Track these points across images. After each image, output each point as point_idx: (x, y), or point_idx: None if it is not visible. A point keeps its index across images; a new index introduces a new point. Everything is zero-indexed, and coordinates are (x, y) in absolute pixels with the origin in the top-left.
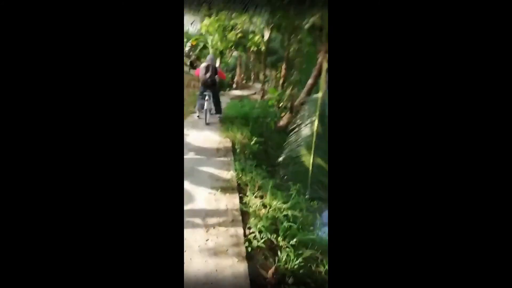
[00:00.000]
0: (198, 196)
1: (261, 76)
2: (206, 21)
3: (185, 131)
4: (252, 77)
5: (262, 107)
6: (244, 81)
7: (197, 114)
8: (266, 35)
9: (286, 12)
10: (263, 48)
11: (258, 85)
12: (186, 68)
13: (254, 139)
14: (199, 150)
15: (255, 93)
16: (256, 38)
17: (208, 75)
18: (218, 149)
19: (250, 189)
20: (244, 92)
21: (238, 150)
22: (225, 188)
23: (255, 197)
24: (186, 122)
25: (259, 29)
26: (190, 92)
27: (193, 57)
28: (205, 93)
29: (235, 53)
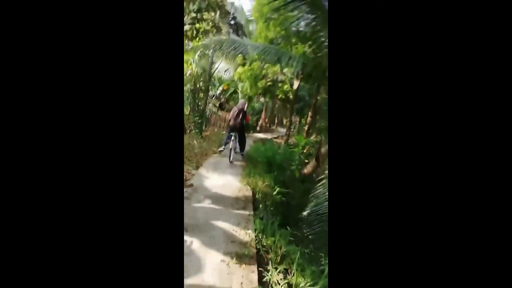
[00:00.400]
0: (208, 263)
1: (285, 122)
2: (240, 69)
3: (205, 172)
4: (276, 122)
5: (285, 153)
6: (268, 125)
7: (220, 149)
8: (296, 84)
9: (317, 63)
10: (291, 96)
11: (281, 130)
12: (214, 109)
13: (277, 189)
14: (216, 198)
15: (278, 137)
16: (285, 87)
17: (238, 120)
18: (237, 199)
19: (271, 259)
20: (267, 135)
21: (259, 201)
22: (241, 256)
23: (278, 272)
24: (208, 162)
25: (288, 79)
26: (216, 132)
27: (223, 99)
28: (231, 133)
29: (262, 99)
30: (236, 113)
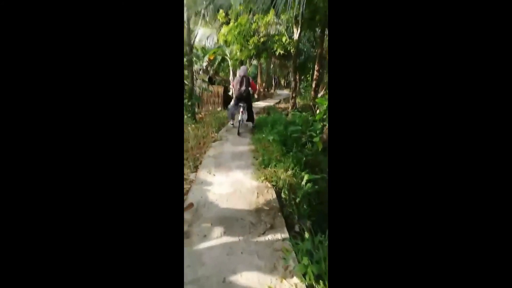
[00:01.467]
0: None
1: (283, 82)
2: (224, 29)
3: (207, 174)
4: (274, 84)
5: (300, 121)
6: (266, 89)
7: (230, 122)
8: (296, 33)
9: (318, 3)
10: (292, 49)
11: (280, 92)
12: (204, 85)
13: (305, 176)
14: (228, 222)
15: (279, 102)
16: (284, 38)
17: (243, 88)
18: (258, 211)
19: None
20: (268, 102)
21: (288, 205)
22: None
23: None
24: (208, 157)
25: (286, 29)
26: (211, 111)
27: (211, 72)
28: (240, 104)
29: (254, 62)
30: (239, 81)
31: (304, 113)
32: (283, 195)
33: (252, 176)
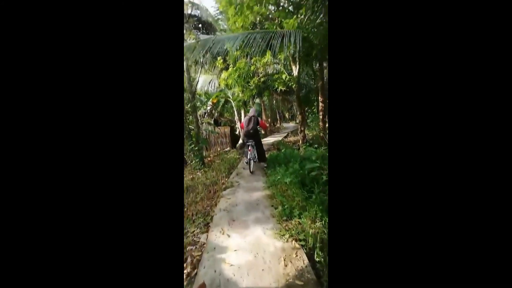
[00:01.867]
0: None
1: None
2: (224, 74)
3: (219, 236)
4: (278, 119)
5: (313, 157)
6: (272, 124)
7: (245, 160)
8: (295, 69)
9: (313, 40)
10: (293, 85)
11: (286, 125)
12: (210, 127)
13: None
14: None
15: (287, 135)
16: (283, 76)
17: (250, 125)
18: (288, 287)
19: None
20: (276, 137)
21: (325, 273)
22: None
23: None
24: (220, 212)
25: (283, 66)
26: (219, 152)
27: (216, 114)
28: (248, 143)
29: (257, 100)
30: (248, 120)
31: (317, 148)
32: (316, 258)
33: (274, 234)
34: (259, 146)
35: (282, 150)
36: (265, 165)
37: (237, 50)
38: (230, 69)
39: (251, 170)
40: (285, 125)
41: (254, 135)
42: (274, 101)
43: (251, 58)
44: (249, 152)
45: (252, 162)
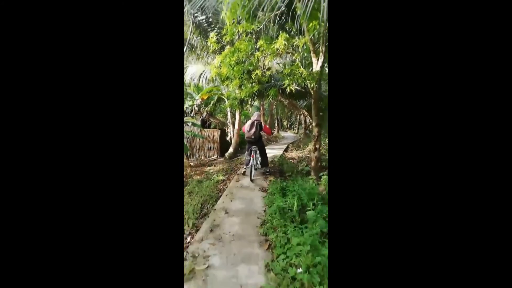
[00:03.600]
0: None
1: (288, 123)
2: (217, 58)
3: None
4: (275, 126)
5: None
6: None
7: (243, 170)
8: (316, 62)
9: None
10: (312, 84)
11: (284, 134)
12: (196, 129)
13: None
14: None
15: (288, 148)
16: (300, 70)
17: (252, 130)
18: None
19: None
20: (274, 149)
21: None
22: None
23: None
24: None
25: (300, 57)
26: (203, 160)
27: (204, 114)
28: (250, 149)
29: (256, 103)
30: (250, 125)
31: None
32: None
33: None
34: (262, 153)
35: (290, 181)
36: (267, 170)
37: (233, 22)
38: (226, 50)
39: (252, 178)
40: (282, 133)
41: (257, 141)
42: (274, 106)
43: (256, 40)
44: (251, 159)
45: (253, 169)
